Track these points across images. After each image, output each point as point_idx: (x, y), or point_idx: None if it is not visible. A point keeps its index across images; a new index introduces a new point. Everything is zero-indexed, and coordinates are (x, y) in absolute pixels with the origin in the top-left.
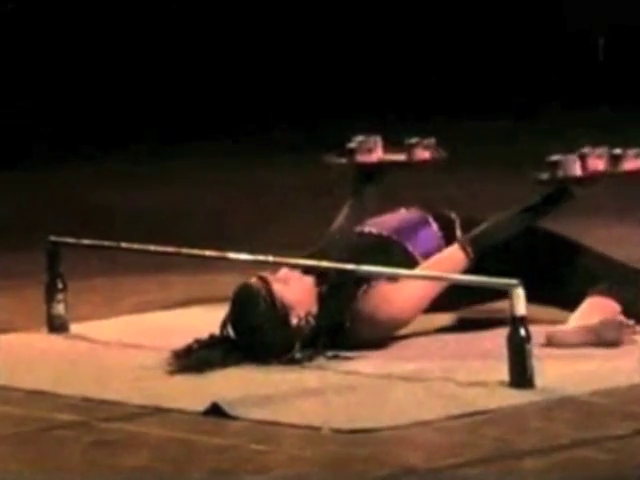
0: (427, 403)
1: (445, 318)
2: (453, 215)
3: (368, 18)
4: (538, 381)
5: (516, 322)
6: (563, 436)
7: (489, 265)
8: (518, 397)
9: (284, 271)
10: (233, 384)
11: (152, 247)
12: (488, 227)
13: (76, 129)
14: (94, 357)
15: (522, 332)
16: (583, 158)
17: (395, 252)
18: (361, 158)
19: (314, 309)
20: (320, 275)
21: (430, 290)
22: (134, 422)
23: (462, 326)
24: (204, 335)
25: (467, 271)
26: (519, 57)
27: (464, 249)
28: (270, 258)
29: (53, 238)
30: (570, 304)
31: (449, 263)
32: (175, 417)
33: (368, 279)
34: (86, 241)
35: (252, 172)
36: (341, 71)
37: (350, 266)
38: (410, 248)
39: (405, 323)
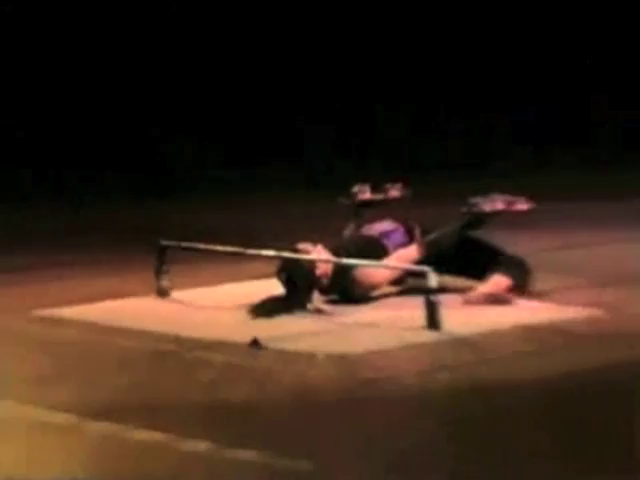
0: (379, 339)
1: (390, 289)
2: (414, 224)
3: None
4: (444, 326)
5: (430, 291)
6: (458, 360)
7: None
8: (432, 336)
9: (319, 247)
10: (266, 327)
11: (224, 247)
12: (437, 236)
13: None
14: (185, 312)
15: (434, 297)
16: (493, 200)
17: (378, 246)
18: (360, 197)
19: (329, 273)
20: (337, 255)
21: (393, 271)
22: (207, 351)
23: (400, 294)
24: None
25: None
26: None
27: (420, 247)
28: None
29: (163, 242)
30: (480, 278)
31: (409, 255)
32: (231, 347)
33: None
34: (184, 244)
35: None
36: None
37: (345, 260)
38: (386, 242)
39: (377, 288)
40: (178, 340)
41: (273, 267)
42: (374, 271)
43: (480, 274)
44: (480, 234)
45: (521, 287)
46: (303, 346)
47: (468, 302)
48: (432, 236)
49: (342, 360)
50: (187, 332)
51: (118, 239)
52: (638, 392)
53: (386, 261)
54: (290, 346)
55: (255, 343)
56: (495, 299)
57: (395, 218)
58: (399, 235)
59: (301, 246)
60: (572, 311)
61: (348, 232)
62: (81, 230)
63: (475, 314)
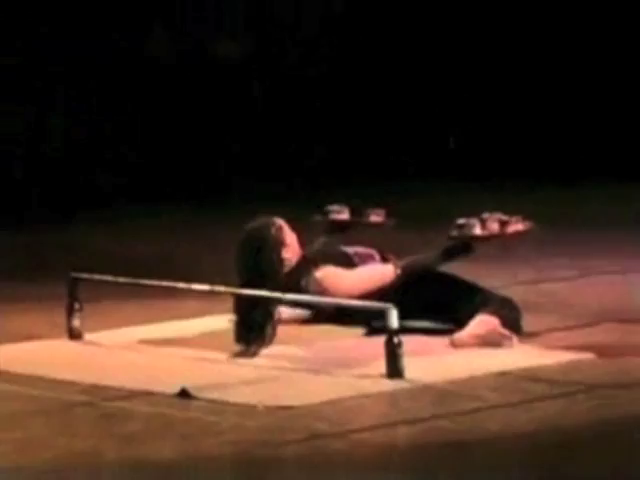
0: (331, 389)
1: (345, 330)
2: (390, 255)
3: None
4: (407, 373)
5: (391, 332)
6: (422, 412)
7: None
8: (392, 384)
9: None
10: (197, 374)
11: (146, 281)
12: (413, 260)
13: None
14: (101, 357)
15: (395, 340)
16: (483, 221)
17: (350, 261)
18: (335, 217)
19: (294, 259)
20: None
21: (359, 285)
22: (128, 401)
23: (355, 335)
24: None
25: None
26: None
27: (395, 268)
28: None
29: (73, 274)
30: (460, 323)
31: (382, 272)
32: (156, 398)
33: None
34: (96, 276)
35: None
36: None
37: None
38: (358, 262)
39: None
40: (93, 389)
41: (208, 304)
42: (340, 278)
43: (455, 316)
44: (449, 268)
45: (512, 330)
46: (240, 396)
47: (456, 344)
48: (409, 259)
49: (286, 412)
50: (103, 380)
51: (31, 268)
52: (631, 449)
53: (357, 270)
54: (225, 396)
55: (184, 393)
56: (489, 340)
57: (370, 245)
58: (374, 261)
59: (277, 221)
60: (555, 355)
61: (316, 246)
62: None
63: (442, 360)
